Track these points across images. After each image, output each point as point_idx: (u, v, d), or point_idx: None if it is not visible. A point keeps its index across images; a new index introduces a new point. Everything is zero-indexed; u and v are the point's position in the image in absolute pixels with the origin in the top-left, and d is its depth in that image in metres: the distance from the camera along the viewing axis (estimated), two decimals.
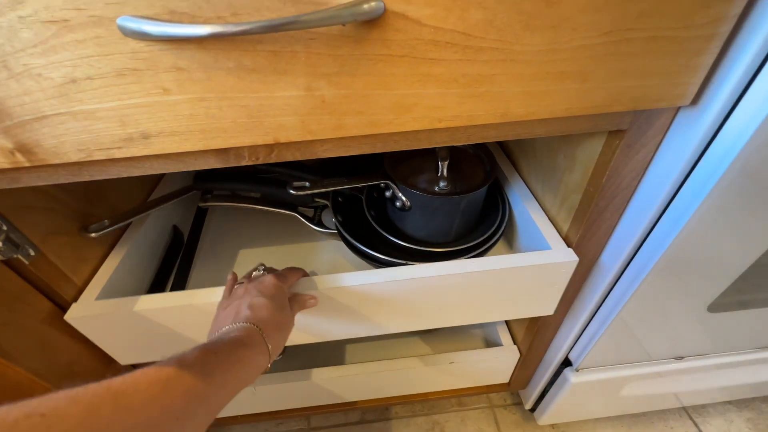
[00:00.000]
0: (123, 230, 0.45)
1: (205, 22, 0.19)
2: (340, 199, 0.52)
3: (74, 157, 0.24)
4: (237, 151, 0.25)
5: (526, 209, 0.44)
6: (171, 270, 0.49)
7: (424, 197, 0.43)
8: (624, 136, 0.29)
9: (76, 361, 0.39)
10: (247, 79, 0.21)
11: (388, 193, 0.46)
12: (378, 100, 0.23)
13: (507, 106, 0.24)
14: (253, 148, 0.25)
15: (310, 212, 0.55)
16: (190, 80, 0.21)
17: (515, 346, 0.57)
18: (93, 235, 0.38)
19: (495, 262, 0.36)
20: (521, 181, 0.48)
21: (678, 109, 0.28)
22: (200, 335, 0.38)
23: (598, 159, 0.33)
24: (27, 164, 0.24)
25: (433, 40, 0.21)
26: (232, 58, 0.20)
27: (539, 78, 0.23)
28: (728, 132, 0.26)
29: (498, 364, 0.58)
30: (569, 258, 0.36)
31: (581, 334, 0.48)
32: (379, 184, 0.46)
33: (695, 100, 0.26)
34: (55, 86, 0.20)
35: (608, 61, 0.23)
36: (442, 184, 0.43)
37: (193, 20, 0.19)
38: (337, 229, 0.48)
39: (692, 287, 0.38)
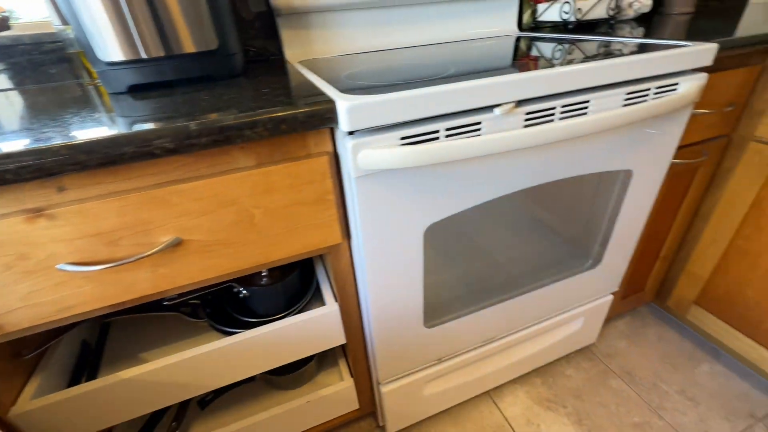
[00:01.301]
0: (41, 355, 0.64)
1: (98, 263, 0.45)
2: (209, 297, 0.78)
3: (27, 325, 0.47)
4: (122, 303, 0.51)
5: (321, 284, 0.74)
6: (81, 378, 0.68)
7: (256, 289, 0.71)
8: (332, 254, 0.61)
9: None
10: (118, 275, 0.48)
11: (235, 290, 0.73)
12: (192, 267, 0.51)
13: (257, 259, 0.54)
14: (131, 300, 0.51)
15: (188, 310, 0.79)
16: (95, 281, 0.47)
17: (351, 378, 0.85)
18: (26, 357, 0.58)
19: (296, 317, 0.65)
20: (322, 266, 0.80)
21: (347, 240, 0.61)
22: (103, 412, 0.59)
23: (331, 263, 0.64)
24: (2, 333, 0.46)
25: (211, 243, 0.50)
26: (111, 271, 0.47)
27: (265, 246, 0.54)
28: (360, 246, 0.59)
29: (344, 394, 0.85)
30: (333, 310, 0.67)
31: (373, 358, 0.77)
32: (232, 285, 0.73)
33: (347, 237, 0.59)
34: (22, 294, 0.45)
35: (294, 233, 0.54)
36: (265, 279, 0.72)
37: (94, 262, 0.45)
38: (207, 318, 0.73)
39: (402, 318, 0.70)
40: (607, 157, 0.68)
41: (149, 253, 0.46)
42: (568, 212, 0.82)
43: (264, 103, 0.46)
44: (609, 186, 0.78)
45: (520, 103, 0.54)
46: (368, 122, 0.46)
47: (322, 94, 0.49)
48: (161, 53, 0.58)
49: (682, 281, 1.07)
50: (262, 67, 0.79)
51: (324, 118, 0.45)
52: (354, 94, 0.47)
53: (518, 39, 0.92)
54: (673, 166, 0.82)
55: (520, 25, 1.09)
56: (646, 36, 0.78)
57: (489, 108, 0.53)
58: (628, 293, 1.09)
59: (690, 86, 0.64)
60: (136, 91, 0.61)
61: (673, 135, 0.72)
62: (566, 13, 0.96)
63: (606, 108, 0.60)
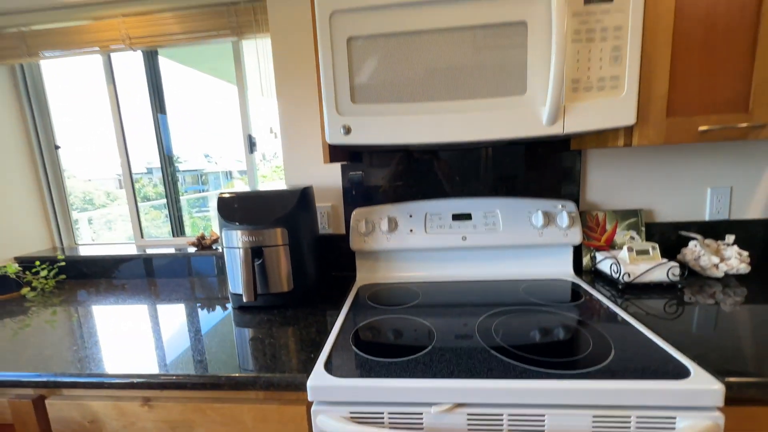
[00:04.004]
0: None
1: None
2: None
3: None
4: None
5: None
6: None
7: None
8: None
9: None
10: None
11: None
12: None
13: None
14: None
15: None
16: None
17: None
18: None
19: None
20: None
21: None
22: None
23: None
24: None
25: None
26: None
27: None
28: None
29: None
30: None
31: None
32: None
33: None
34: None
35: None
36: None
37: None
38: None
39: None
40: None
41: None
42: None
43: (267, 359, 0.72)
44: None
45: (462, 403, 0.62)
46: (325, 398, 0.64)
47: (311, 361, 0.71)
48: (261, 291, 0.95)
49: None
50: (333, 290, 1.10)
51: (298, 388, 0.66)
52: (329, 368, 0.68)
53: (572, 285, 0.98)
54: None
55: (580, 269, 1.13)
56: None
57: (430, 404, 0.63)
58: None
59: (693, 425, 0.58)
60: (241, 309, 0.98)
61: None
62: (615, 272, 0.97)
63: (568, 426, 0.60)
